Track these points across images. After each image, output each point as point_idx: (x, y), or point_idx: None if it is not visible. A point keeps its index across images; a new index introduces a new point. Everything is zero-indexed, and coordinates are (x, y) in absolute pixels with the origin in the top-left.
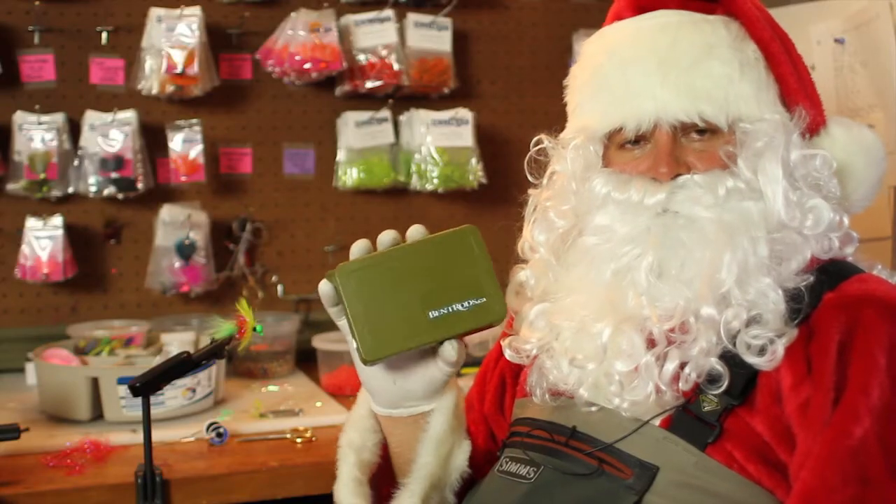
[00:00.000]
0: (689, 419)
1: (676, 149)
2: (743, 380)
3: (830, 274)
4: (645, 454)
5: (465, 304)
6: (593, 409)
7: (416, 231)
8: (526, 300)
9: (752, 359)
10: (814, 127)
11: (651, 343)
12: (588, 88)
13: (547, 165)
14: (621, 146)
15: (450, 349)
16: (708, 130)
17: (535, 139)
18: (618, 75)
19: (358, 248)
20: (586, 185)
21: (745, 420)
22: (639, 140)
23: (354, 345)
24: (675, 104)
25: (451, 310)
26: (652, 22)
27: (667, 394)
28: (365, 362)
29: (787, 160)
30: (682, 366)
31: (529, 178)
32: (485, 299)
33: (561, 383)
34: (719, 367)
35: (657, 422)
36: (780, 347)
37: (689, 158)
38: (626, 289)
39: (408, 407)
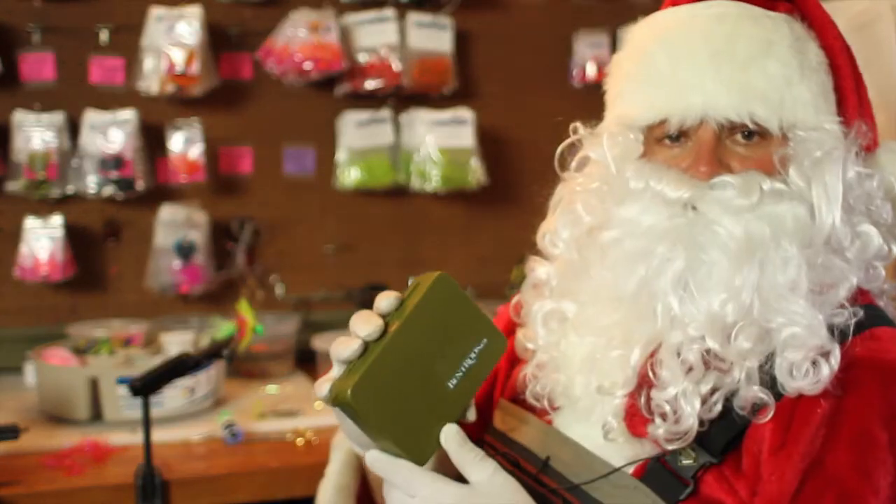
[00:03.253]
0: (663, 472)
1: (720, 149)
2: (725, 436)
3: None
4: (611, 501)
5: (473, 355)
6: (573, 438)
7: (388, 302)
8: (542, 297)
9: (795, 383)
10: (868, 147)
11: (688, 369)
12: (633, 76)
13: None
14: (660, 141)
15: (472, 414)
16: (757, 134)
17: (572, 126)
18: (666, 64)
19: (347, 352)
20: (620, 174)
21: (730, 482)
22: (680, 136)
23: (397, 453)
24: (725, 101)
25: (464, 369)
26: (709, 11)
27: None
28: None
29: (845, 176)
30: (712, 392)
31: (558, 171)
32: (486, 340)
33: (562, 396)
34: (763, 395)
35: (630, 469)
36: (825, 368)
37: (733, 162)
38: (653, 301)
39: None
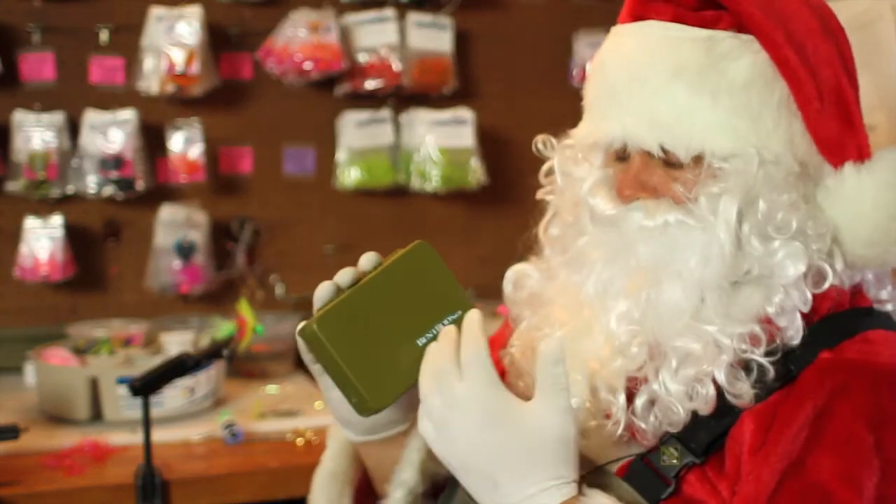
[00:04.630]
0: (646, 470)
1: (645, 172)
2: (708, 436)
3: (836, 327)
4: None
5: (446, 321)
6: None
7: (368, 260)
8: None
9: (689, 404)
10: (862, 153)
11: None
12: (587, 94)
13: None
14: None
15: None
16: (673, 161)
17: (542, 141)
18: (599, 88)
19: (322, 292)
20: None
21: (712, 482)
22: (625, 155)
23: (352, 399)
24: (637, 131)
25: (435, 332)
26: (635, 34)
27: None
28: (369, 412)
29: (754, 203)
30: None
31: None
32: (460, 311)
33: None
34: (678, 408)
35: (614, 468)
36: (711, 390)
37: (657, 186)
38: (595, 313)
39: (388, 430)
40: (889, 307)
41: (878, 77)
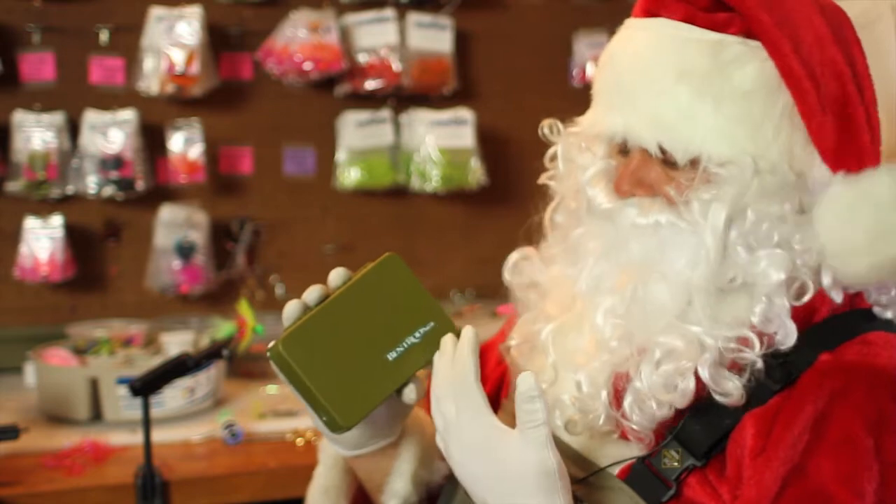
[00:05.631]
0: (647, 473)
1: (644, 168)
2: (709, 439)
3: (836, 329)
4: (595, 502)
5: (417, 334)
6: (562, 439)
7: (338, 275)
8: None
9: (666, 396)
10: (866, 159)
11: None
12: (595, 83)
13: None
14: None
15: (411, 394)
16: (672, 161)
17: (548, 125)
18: (608, 81)
19: (290, 310)
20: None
21: (713, 485)
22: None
23: (322, 417)
24: (639, 128)
25: (406, 345)
26: (646, 32)
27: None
28: (340, 430)
29: (743, 212)
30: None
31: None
32: (433, 323)
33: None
34: (653, 404)
35: (615, 470)
36: (690, 383)
37: (653, 184)
38: (585, 308)
39: (374, 444)
40: (889, 314)
41: (878, 77)
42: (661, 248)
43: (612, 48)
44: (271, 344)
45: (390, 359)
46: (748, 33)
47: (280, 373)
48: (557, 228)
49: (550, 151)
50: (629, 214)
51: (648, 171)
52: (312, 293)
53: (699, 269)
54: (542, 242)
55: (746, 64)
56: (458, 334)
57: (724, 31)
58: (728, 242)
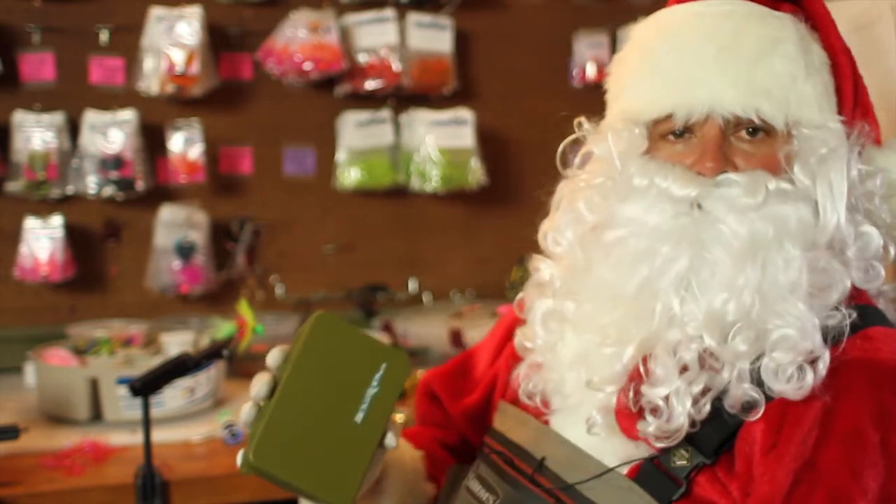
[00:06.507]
0: (656, 472)
1: (724, 146)
2: (718, 436)
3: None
4: (605, 502)
5: (374, 383)
6: (569, 439)
7: (275, 357)
8: (545, 296)
9: (778, 386)
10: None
11: (683, 368)
12: (638, 72)
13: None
14: (664, 137)
15: (391, 441)
16: (762, 130)
17: (577, 121)
18: (673, 60)
19: (246, 415)
20: (624, 171)
21: (722, 483)
22: (684, 132)
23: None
24: (731, 96)
25: (368, 400)
26: (715, 9)
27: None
28: None
29: (849, 174)
30: (703, 393)
31: (560, 168)
32: (385, 365)
33: (555, 395)
34: (755, 393)
35: (624, 470)
36: (809, 375)
37: (737, 159)
38: (653, 301)
39: (363, 489)
40: (882, 303)
41: (877, 77)
42: (773, 223)
43: (667, 30)
44: (240, 458)
45: (359, 421)
46: (796, 13)
47: (262, 478)
48: (577, 237)
49: (584, 149)
50: (728, 195)
51: (731, 147)
52: (261, 389)
53: (815, 239)
54: (552, 245)
55: (814, 41)
56: (409, 367)
57: (780, 10)
58: (841, 207)
